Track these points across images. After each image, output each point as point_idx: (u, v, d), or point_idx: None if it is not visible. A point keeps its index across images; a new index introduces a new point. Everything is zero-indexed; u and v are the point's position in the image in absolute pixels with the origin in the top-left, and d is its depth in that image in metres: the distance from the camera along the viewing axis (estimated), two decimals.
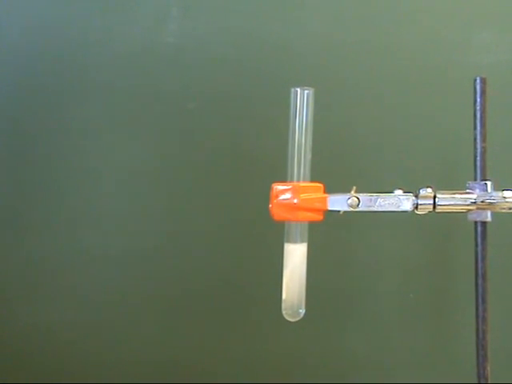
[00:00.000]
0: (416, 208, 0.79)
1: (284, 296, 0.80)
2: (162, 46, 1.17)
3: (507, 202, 0.78)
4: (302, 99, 0.81)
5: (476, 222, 0.82)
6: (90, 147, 1.18)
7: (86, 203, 1.19)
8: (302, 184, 0.80)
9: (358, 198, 0.79)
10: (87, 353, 1.18)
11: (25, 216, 1.20)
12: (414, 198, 0.79)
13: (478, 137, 0.81)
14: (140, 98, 1.17)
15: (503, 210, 0.79)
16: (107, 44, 1.17)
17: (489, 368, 0.80)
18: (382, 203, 0.79)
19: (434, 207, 0.79)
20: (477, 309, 0.81)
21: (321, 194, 0.80)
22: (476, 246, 0.82)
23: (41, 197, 1.19)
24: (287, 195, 0.79)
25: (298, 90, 0.81)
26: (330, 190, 0.80)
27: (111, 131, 1.18)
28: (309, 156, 0.81)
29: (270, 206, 0.79)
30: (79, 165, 1.18)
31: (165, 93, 1.17)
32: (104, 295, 1.19)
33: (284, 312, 0.80)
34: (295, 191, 0.79)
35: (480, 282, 0.81)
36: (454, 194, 0.80)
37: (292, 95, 0.81)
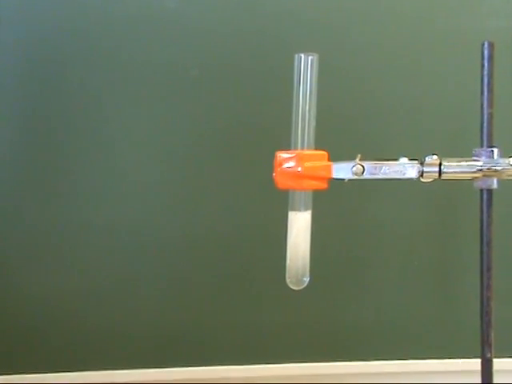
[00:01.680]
0: (421, 175, 0.78)
1: (288, 264, 0.80)
2: (162, 12, 1.15)
3: None
4: (306, 65, 0.79)
5: (482, 190, 0.81)
6: (91, 116, 1.17)
7: (88, 176, 1.18)
8: (306, 152, 0.79)
9: (362, 166, 0.78)
10: (90, 321, 1.19)
11: (28, 189, 1.19)
12: (419, 165, 0.78)
13: (485, 103, 0.80)
14: (141, 65, 1.15)
15: (510, 177, 0.78)
16: (107, 10, 1.15)
17: (493, 334, 0.80)
18: (387, 171, 0.78)
19: (440, 175, 0.78)
20: (481, 276, 0.81)
21: (325, 162, 0.79)
22: (481, 213, 0.81)
23: (45, 171, 1.18)
24: (291, 163, 0.78)
25: (302, 55, 0.79)
26: (334, 158, 0.79)
27: (113, 99, 1.17)
28: (313, 123, 0.80)
29: (274, 174, 0.79)
30: (81, 137, 1.17)
31: (167, 59, 1.15)
32: (107, 265, 1.19)
33: (288, 280, 0.80)
34: (299, 159, 0.78)
35: (485, 249, 0.81)
36: (460, 161, 0.79)
37: (296, 61, 0.79)
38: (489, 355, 0.80)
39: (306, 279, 0.80)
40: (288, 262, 0.80)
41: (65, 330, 1.19)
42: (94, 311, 1.19)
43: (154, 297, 1.20)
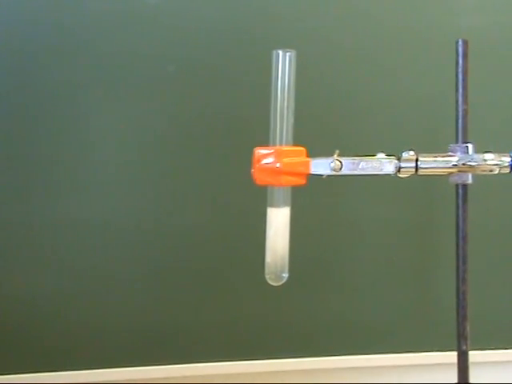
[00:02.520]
0: (398, 171, 0.79)
1: (267, 260, 0.80)
2: (142, 7, 1.14)
3: (488, 164, 0.79)
4: (284, 62, 0.79)
5: (457, 185, 0.83)
6: (70, 112, 1.15)
7: (67, 173, 1.16)
8: (285, 148, 0.79)
9: (340, 162, 0.78)
10: (70, 319, 1.18)
11: (5, 186, 1.17)
12: (396, 161, 0.79)
13: (460, 99, 0.82)
14: (119, 60, 1.14)
15: (484, 173, 0.80)
16: (85, 3, 1.13)
17: (468, 327, 0.82)
18: (365, 166, 0.79)
19: (417, 170, 0.80)
20: (457, 270, 0.82)
21: (303, 158, 0.79)
22: (457, 208, 0.83)
23: (22, 168, 1.16)
24: (270, 159, 0.78)
25: (280, 52, 0.79)
26: (312, 154, 0.80)
27: (90, 94, 1.15)
28: (291, 120, 0.80)
29: (253, 170, 0.79)
30: (59, 131, 1.16)
31: (145, 55, 1.14)
32: (89, 263, 1.18)
33: (267, 276, 0.80)
34: (278, 155, 0.78)
35: (461, 243, 0.82)
36: (436, 156, 0.80)
37: (274, 57, 0.80)
38: (465, 348, 0.82)
39: (285, 275, 0.81)
40: (267, 258, 0.80)
41: (41, 330, 1.17)
42: (73, 310, 1.17)
43: (135, 294, 1.18)
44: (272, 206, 0.80)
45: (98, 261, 1.17)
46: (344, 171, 0.79)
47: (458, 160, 0.80)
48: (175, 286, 1.19)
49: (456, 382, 0.83)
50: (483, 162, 0.79)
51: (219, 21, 1.16)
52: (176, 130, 1.17)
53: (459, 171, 0.80)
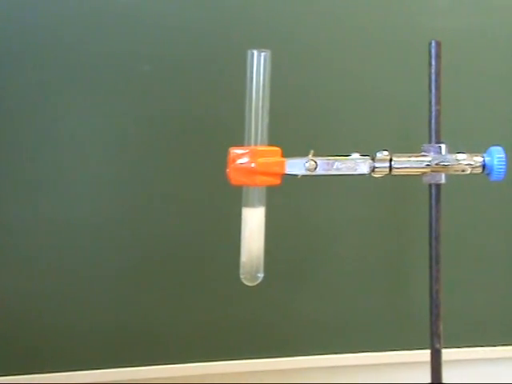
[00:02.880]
0: (373, 171, 0.80)
1: (242, 260, 0.80)
2: (113, 6, 1.13)
3: (460, 164, 0.80)
4: (259, 62, 0.79)
5: (430, 185, 0.83)
6: (39, 111, 1.13)
7: (31, 174, 1.14)
8: (260, 148, 0.79)
9: (315, 162, 0.79)
10: (42, 320, 1.16)
11: None
12: (370, 161, 0.79)
13: (433, 100, 0.83)
14: (95, 59, 1.13)
15: (456, 172, 0.81)
16: (54, 3, 1.12)
17: (441, 325, 0.83)
18: (340, 166, 0.79)
19: (390, 170, 0.80)
20: (430, 269, 0.83)
21: (278, 158, 0.79)
22: (430, 208, 0.84)
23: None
24: (245, 159, 0.78)
25: (255, 52, 0.79)
26: (287, 153, 0.80)
27: (65, 93, 1.14)
28: (266, 119, 0.80)
29: (228, 170, 0.78)
30: (28, 131, 1.14)
31: (118, 55, 1.13)
32: (60, 263, 1.16)
33: (242, 276, 0.80)
34: (253, 155, 0.78)
35: (434, 243, 0.83)
36: (410, 156, 0.81)
37: (248, 57, 0.79)
38: (438, 346, 0.82)
39: (261, 275, 0.80)
40: (242, 258, 0.80)
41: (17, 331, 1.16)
42: (36, 312, 1.16)
43: (104, 296, 1.17)
44: (247, 206, 0.80)
45: (72, 260, 1.16)
46: (319, 171, 0.79)
47: (431, 160, 0.81)
48: (151, 286, 1.18)
49: (429, 380, 0.84)
50: (456, 162, 0.80)
51: (194, 20, 1.15)
52: (151, 130, 1.16)
53: (432, 171, 0.81)
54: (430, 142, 0.83)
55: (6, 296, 1.15)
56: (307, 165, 0.79)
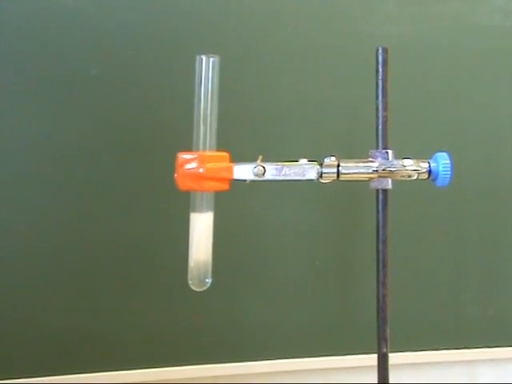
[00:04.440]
0: (321, 176, 0.80)
1: (190, 265, 0.80)
2: (62, 10, 1.11)
3: (407, 170, 0.81)
4: (208, 67, 0.79)
5: (377, 190, 0.84)
6: None
7: None
8: (208, 153, 0.79)
9: (263, 167, 0.79)
10: None
11: None
12: (318, 166, 0.80)
13: (380, 106, 0.83)
14: (42, 62, 1.11)
15: (403, 178, 0.82)
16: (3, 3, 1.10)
17: (388, 329, 0.83)
18: (288, 172, 0.80)
19: (338, 175, 0.81)
20: (377, 273, 0.84)
21: (226, 164, 0.79)
22: (377, 212, 0.84)
23: None
24: (193, 164, 0.78)
25: (204, 57, 0.79)
26: (235, 159, 0.80)
27: (9, 96, 1.11)
28: (214, 125, 0.80)
29: (176, 175, 0.78)
30: None
31: (67, 57, 1.11)
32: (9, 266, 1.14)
33: (190, 282, 0.80)
34: (201, 160, 0.78)
35: (381, 247, 0.84)
36: (357, 162, 0.82)
37: (197, 63, 0.79)
38: (385, 350, 0.83)
39: (209, 280, 0.80)
40: (190, 263, 0.80)
41: None
42: None
43: (59, 301, 1.15)
44: (195, 211, 0.80)
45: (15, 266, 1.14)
46: (267, 177, 0.79)
47: (379, 166, 0.81)
48: (99, 292, 1.16)
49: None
50: (402, 168, 0.81)
51: (143, 24, 1.15)
52: (98, 135, 1.14)
53: (379, 177, 0.82)
54: (377, 147, 0.84)
55: None
56: (255, 170, 0.79)
